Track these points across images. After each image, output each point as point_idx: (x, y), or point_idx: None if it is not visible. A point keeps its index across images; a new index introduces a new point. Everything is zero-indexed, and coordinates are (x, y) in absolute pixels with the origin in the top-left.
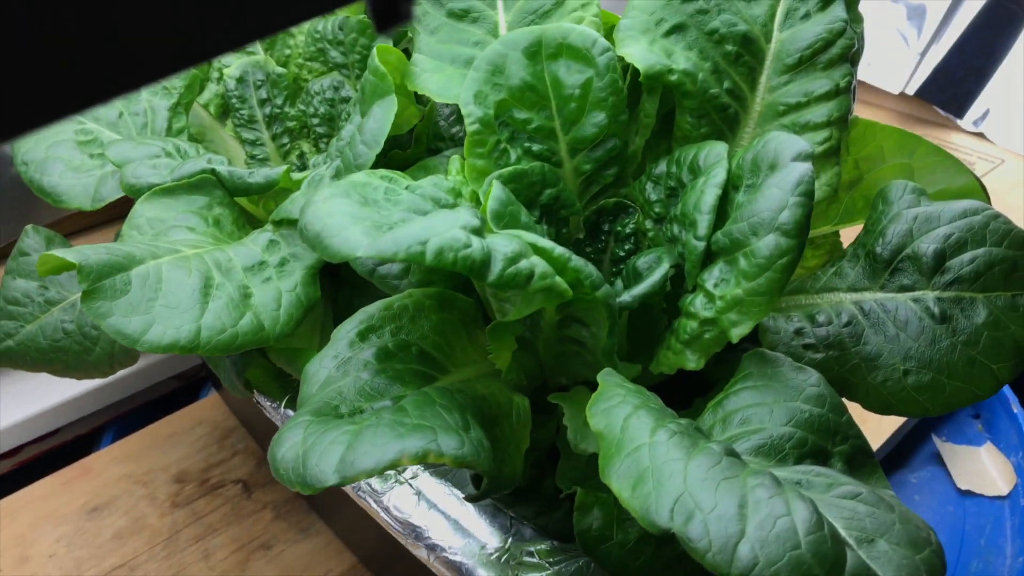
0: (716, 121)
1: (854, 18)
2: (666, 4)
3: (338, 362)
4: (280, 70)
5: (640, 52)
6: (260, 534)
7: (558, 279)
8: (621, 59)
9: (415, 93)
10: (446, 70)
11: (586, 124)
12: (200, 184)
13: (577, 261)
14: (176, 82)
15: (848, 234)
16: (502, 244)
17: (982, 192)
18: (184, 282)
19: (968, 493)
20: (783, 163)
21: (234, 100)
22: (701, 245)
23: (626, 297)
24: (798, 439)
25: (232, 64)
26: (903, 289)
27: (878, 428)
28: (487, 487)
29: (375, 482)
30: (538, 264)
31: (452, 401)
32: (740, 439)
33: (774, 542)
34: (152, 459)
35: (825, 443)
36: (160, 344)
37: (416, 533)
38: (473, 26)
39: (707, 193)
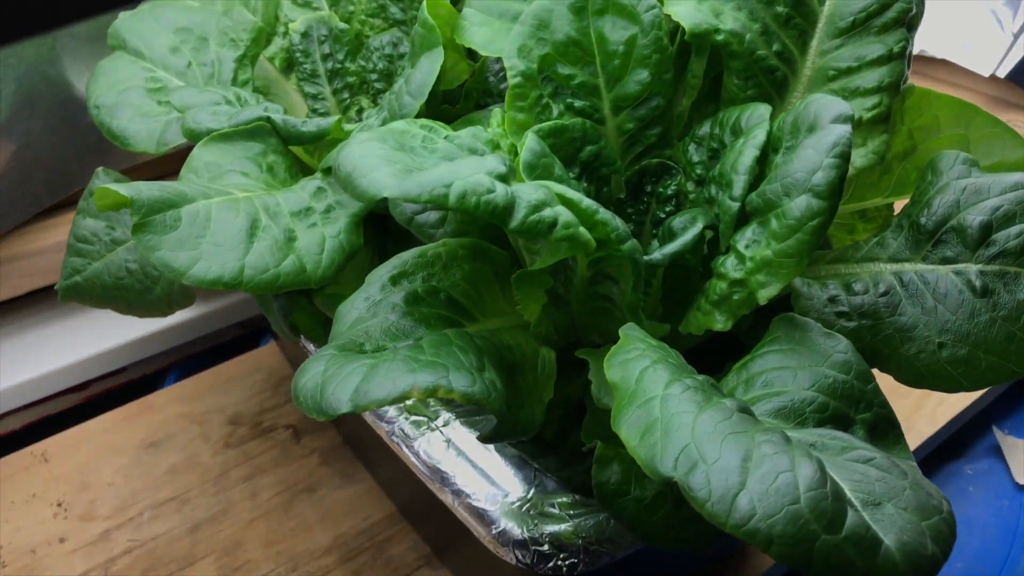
0: (764, 84)
1: None
2: None
3: (369, 304)
4: (343, 26)
5: (687, 11)
6: (306, 478)
7: (582, 230)
8: (668, 18)
9: (467, 49)
10: (494, 24)
11: (629, 81)
12: (256, 131)
13: (604, 214)
14: (243, 34)
15: (901, 206)
16: (527, 192)
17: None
18: (232, 222)
19: None
20: (822, 125)
21: (298, 54)
22: (735, 206)
23: (657, 255)
24: (820, 404)
25: (298, 19)
26: (945, 261)
27: (933, 416)
28: (498, 428)
29: (408, 428)
30: (563, 213)
31: (470, 344)
32: (761, 400)
33: (773, 495)
34: (209, 401)
35: (848, 409)
36: (205, 279)
37: (443, 478)
38: None
39: (745, 154)
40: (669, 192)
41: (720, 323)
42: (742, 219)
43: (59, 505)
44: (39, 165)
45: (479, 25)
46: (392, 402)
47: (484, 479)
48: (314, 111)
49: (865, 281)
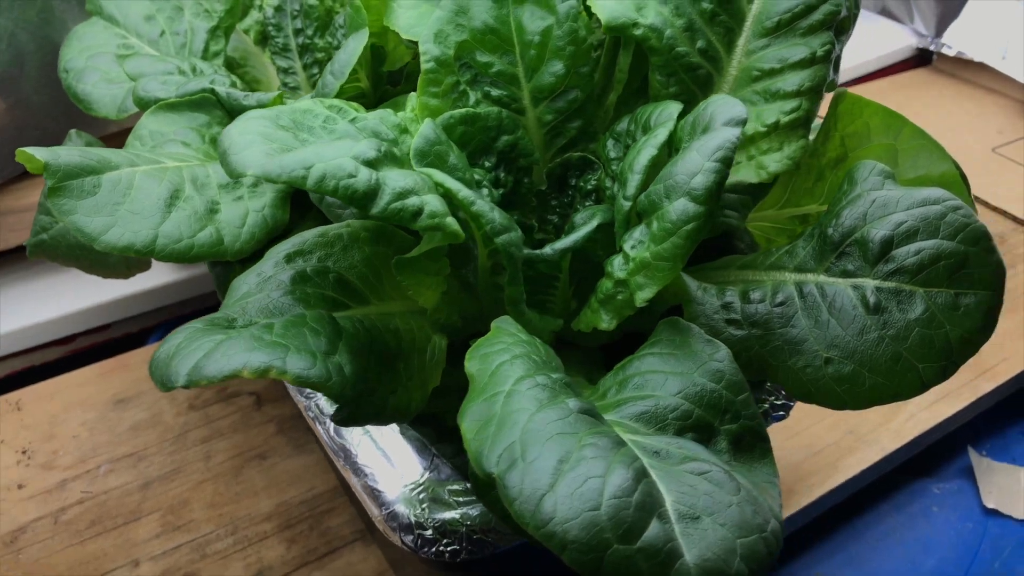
0: (686, 81)
1: None
2: None
3: (259, 280)
4: (313, 1)
5: (608, 3)
6: (260, 445)
7: (449, 220)
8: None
9: None
10: (421, 7)
11: (545, 73)
12: (201, 103)
13: (481, 206)
14: (217, 5)
15: None
16: (395, 179)
17: (960, 182)
18: (153, 191)
19: (994, 512)
20: (714, 127)
21: (271, 28)
22: (627, 205)
23: (547, 250)
24: (683, 411)
25: None
26: (846, 275)
27: (900, 431)
28: (340, 412)
29: (324, 404)
30: (430, 203)
31: (328, 327)
32: (628, 403)
33: (576, 499)
34: None
35: (712, 419)
36: (116, 245)
37: (347, 456)
38: None
39: (642, 153)
40: (589, 187)
41: (605, 322)
42: (634, 219)
43: (23, 453)
44: (31, 123)
45: (407, 8)
46: (222, 380)
47: (385, 460)
48: (285, 85)
49: (765, 289)
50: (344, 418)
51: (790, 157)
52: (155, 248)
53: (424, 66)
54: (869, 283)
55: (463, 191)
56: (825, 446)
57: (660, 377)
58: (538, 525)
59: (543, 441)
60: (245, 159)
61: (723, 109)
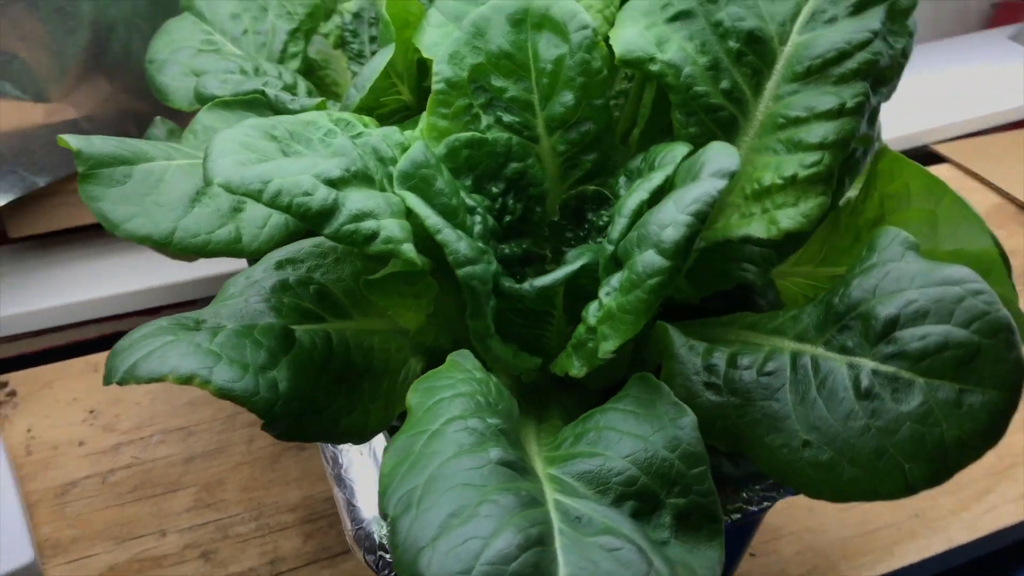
0: (706, 122)
1: (896, 31)
2: None
3: (247, 283)
4: None
5: (627, 35)
6: None
7: (405, 247)
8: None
9: None
10: (448, 27)
11: (556, 102)
12: (253, 103)
13: (447, 235)
14: (300, 9)
15: None
16: (356, 200)
17: (1000, 262)
18: (181, 185)
19: None
20: (702, 176)
21: (347, 34)
22: (610, 249)
23: (527, 286)
24: (629, 476)
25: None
26: (844, 351)
27: (975, 523)
28: (273, 428)
29: None
30: (388, 227)
31: (276, 341)
32: (577, 459)
33: (451, 559)
34: None
35: (659, 490)
36: (135, 234)
37: (336, 464)
38: None
39: (633, 196)
40: (602, 222)
41: (576, 369)
42: (613, 264)
43: (91, 412)
44: (133, 108)
45: (435, 27)
46: (149, 381)
47: (372, 476)
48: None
49: (758, 355)
50: (279, 433)
51: (805, 215)
52: (172, 241)
53: (435, 87)
54: (866, 364)
55: (431, 218)
56: (883, 525)
57: (615, 436)
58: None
59: (445, 490)
60: (215, 167)
61: (714, 158)
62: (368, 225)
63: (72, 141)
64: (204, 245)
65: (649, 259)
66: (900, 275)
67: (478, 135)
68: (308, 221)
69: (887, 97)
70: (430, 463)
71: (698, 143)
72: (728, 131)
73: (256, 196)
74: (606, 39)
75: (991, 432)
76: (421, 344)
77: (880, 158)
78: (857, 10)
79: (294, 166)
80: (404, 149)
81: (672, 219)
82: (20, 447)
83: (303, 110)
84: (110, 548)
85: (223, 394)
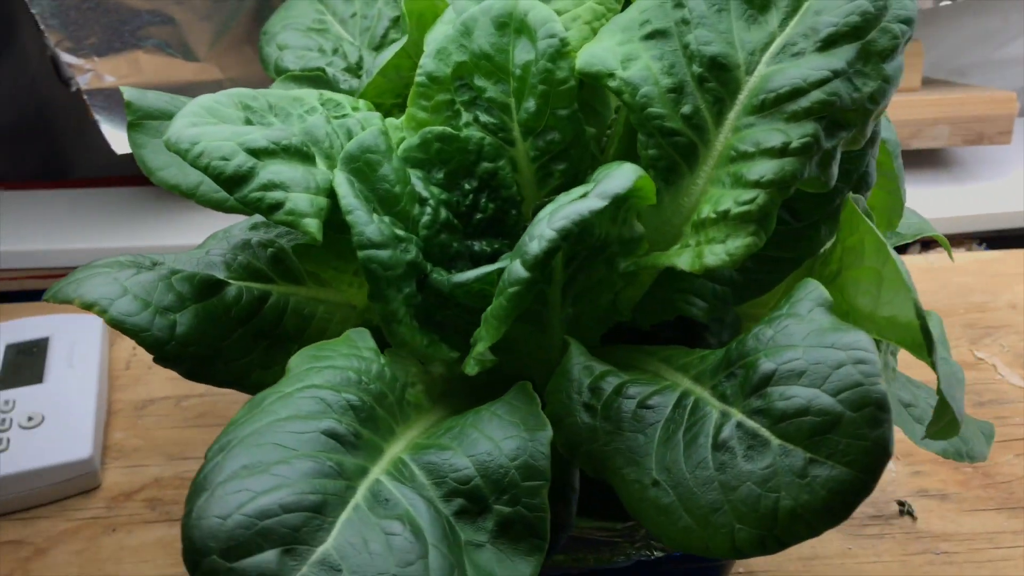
0: (664, 146)
1: (866, 73)
2: (659, 6)
3: (223, 237)
4: None
5: (593, 48)
6: None
7: (306, 221)
8: None
9: None
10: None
11: (522, 108)
12: (317, 79)
13: (357, 216)
14: None
15: None
16: (273, 171)
17: (920, 338)
18: None
19: None
20: (590, 195)
21: None
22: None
23: (444, 280)
24: (465, 475)
25: None
26: (722, 398)
27: None
28: (157, 360)
29: None
30: (295, 200)
31: (193, 289)
32: (433, 449)
33: (215, 504)
34: None
35: (488, 493)
36: (167, 183)
37: None
38: None
39: (546, 208)
40: None
41: (469, 368)
42: None
43: None
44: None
45: (444, 23)
46: (65, 302)
47: None
48: None
49: (649, 388)
50: (183, 372)
51: (730, 253)
52: (196, 193)
53: (417, 79)
54: (735, 415)
55: (346, 199)
56: None
57: (476, 435)
58: (186, 513)
59: (254, 445)
60: (172, 124)
61: (608, 177)
62: (275, 195)
63: (126, 92)
64: (223, 201)
65: (514, 269)
66: (795, 330)
67: (450, 131)
68: (221, 184)
69: (855, 144)
70: (261, 420)
71: (658, 166)
72: (688, 157)
73: (183, 155)
74: None
75: (829, 511)
76: (370, 322)
77: (844, 208)
78: (826, 46)
79: (223, 132)
80: (381, 132)
81: (540, 233)
82: (122, 361)
83: (349, 90)
84: (161, 463)
85: (115, 324)
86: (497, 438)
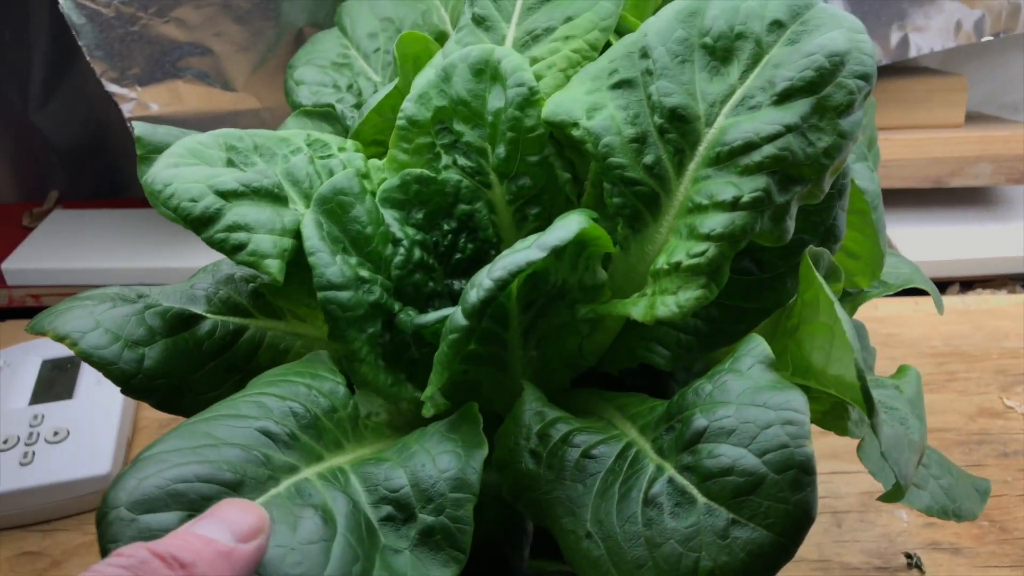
0: (627, 195)
1: (821, 128)
2: (627, 55)
3: (211, 268)
4: None
5: (560, 97)
6: None
7: (267, 262)
8: None
9: None
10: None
11: (494, 153)
12: (327, 115)
13: (319, 258)
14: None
15: None
16: (239, 213)
17: (860, 400)
18: None
19: None
20: (533, 244)
21: None
22: None
23: (408, 321)
24: (396, 483)
25: None
26: (660, 452)
27: None
28: (125, 391)
29: None
30: (258, 241)
31: (163, 323)
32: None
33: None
34: None
35: (416, 502)
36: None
37: None
38: (485, 34)
39: (502, 254)
40: None
41: (425, 410)
42: None
43: None
44: None
45: (430, 67)
46: (42, 335)
47: None
48: None
49: (594, 436)
50: (155, 404)
51: (680, 306)
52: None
53: (398, 122)
54: (667, 470)
55: (310, 240)
56: None
57: (416, 447)
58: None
59: (188, 434)
60: (153, 166)
61: (553, 227)
62: (239, 236)
63: (137, 128)
64: None
65: (455, 316)
66: (732, 387)
67: (428, 173)
68: (188, 225)
69: (813, 198)
70: (202, 416)
71: (623, 214)
72: (651, 206)
73: (156, 196)
74: None
75: (748, 574)
76: (337, 360)
77: (801, 262)
78: (781, 100)
79: (196, 174)
80: (363, 175)
81: (479, 282)
82: None
83: (352, 125)
84: None
85: (84, 357)
86: (434, 452)
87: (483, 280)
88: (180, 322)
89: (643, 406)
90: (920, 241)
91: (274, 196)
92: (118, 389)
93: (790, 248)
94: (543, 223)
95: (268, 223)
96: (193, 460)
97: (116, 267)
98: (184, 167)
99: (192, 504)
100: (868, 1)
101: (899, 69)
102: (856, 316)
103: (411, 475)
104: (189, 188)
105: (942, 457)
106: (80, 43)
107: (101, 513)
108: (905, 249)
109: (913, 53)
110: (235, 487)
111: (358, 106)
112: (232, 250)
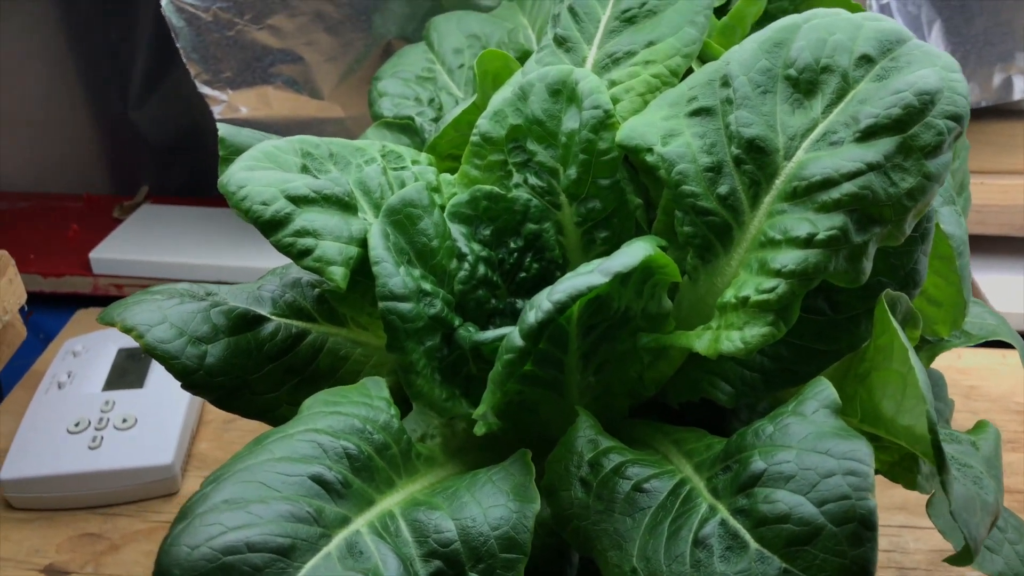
0: (698, 224)
1: (906, 169)
2: (707, 83)
3: (279, 273)
4: None
5: (636, 122)
6: None
7: (332, 268)
8: None
9: None
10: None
11: (565, 175)
12: (406, 127)
13: (383, 268)
14: (512, 52)
15: None
16: (308, 218)
17: (931, 453)
18: None
19: None
20: (597, 268)
21: None
22: None
23: (467, 337)
24: (446, 538)
25: None
26: (713, 492)
27: None
28: (184, 387)
29: None
30: (324, 248)
31: (228, 322)
32: (424, 507)
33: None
34: None
35: (465, 560)
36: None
37: None
38: (566, 55)
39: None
40: None
41: (478, 429)
42: None
43: None
44: None
45: (509, 85)
46: (111, 325)
47: None
48: None
49: (648, 470)
50: (213, 400)
51: (745, 342)
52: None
53: (472, 139)
54: (720, 511)
55: (375, 250)
56: None
57: (468, 498)
58: (164, 538)
59: (242, 481)
60: (230, 168)
61: (617, 253)
62: (306, 242)
63: (221, 129)
64: None
65: (512, 337)
66: (795, 431)
67: (497, 190)
68: (259, 227)
69: (893, 240)
70: (257, 457)
71: (693, 244)
72: (722, 237)
73: (230, 197)
74: None
75: None
76: (394, 372)
77: (878, 304)
78: (864, 137)
79: (270, 178)
80: (433, 189)
81: (539, 304)
82: None
83: (429, 138)
84: None
85: (148, 350)
86: (485, 504)
87: (543, 302)
88: (244, 322)
89: (700, 443)
90: (1011, 291)
91: (344, 204)
92: None
93: (867, 290)
94: (611, 247)
95: (336, 230)
96: (243, 523)
97: (198, 263)
98: (259, 170)
99: None
100: (972, 41)
101: (1000, 111)
102: (937, 366)
103: (461, 529)
104: (262, 191)
105: (1020, 521)
106: (178, 45)
107: None
108: (995, 298)
109: (1017, 96)
110: (287, 553)
111: (437, 120)
112: (299, 255)
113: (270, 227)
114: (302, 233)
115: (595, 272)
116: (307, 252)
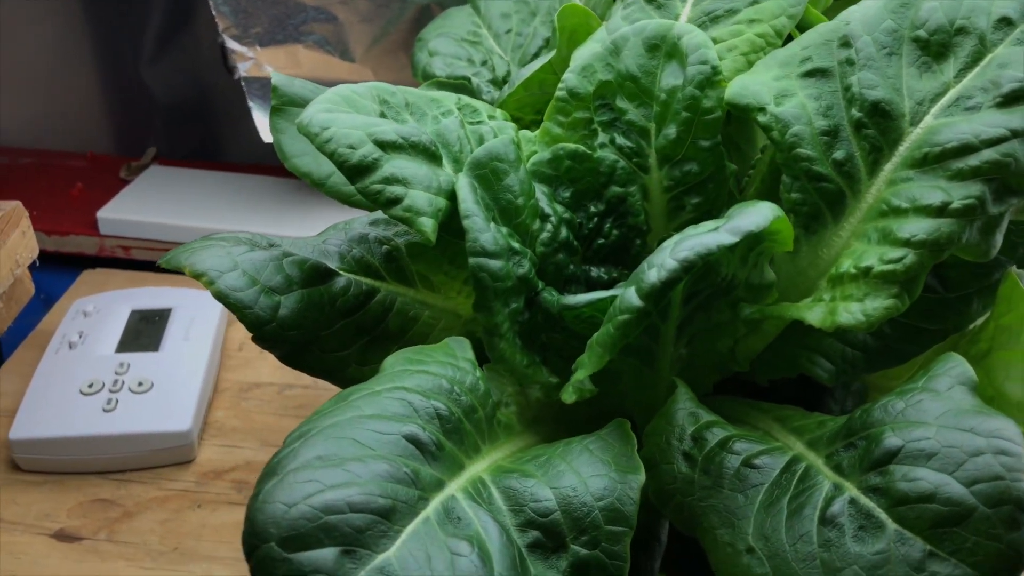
0: (809, 191)
1: None
2: (824, 44)
3: (343, 228)
4: None
5: (746, 80)
6: None
7: (422, 219)
8: None
9: None
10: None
11: (662, 134)
12: (460, 87)
13: (474, 222)
14: None
15: None
16: (397, 165)
17: None
18: None
19: None
20: (720, 228)
21: None
22: None
23: (553, 301)
24: (544, 507)
25: None
26: (837, 469)
27: None
28: (255, 340)
29: None
30: (414, 197)
31: (302, 274)
32: (516, 474)
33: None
34: None
35: (567, 531)
36: (299, 169)
37: None
38: (657, 11)
39: (672, 239)
40: None
41: (566, 396)
42: None
43: None
44: None
45: (595, 41)
46: (178, 270)
47: None
48: None
49: (756, 446)
50: (281, 356)
51: (867, 314)
52: (326, 184)
53: (557, 94)
54: (848, 490)
55: (466, 203)
56: None
57: (563, 467)
58: (253, 495)
59: (334, 437)
60: (308, 108)
61: (741, 213)
62: (395, 189)
63: (275, 77)
64: (350, 195)
65: (628, 296)
66: (930, 407)
67: (582, 149)
68: (344, 172)
69: (1011, 208)
70: (345, 414)
71: (800, 212)
72: (834, 206)
73: (312, 138)
74: None
75: None
76: (472, 333)
77: (1002, 282)
78: (1007, 103)
79: (355, 121)
80: (514, 143)
81: (661, 262)
82: (236, 342)
83: (491, 101)
84: (255, 446)
85: (220, 297)
86: (585, 474)
87: (665, 260)
88: (317, 275)
89: (808, 420)
90: None
91: (431, 154)
92: (207, 348)
93: (982, 268)
94: (700, 215)
95: (425, 180)
96: (342, 482)
97: (206, 227)
98: (340, 113)
99: (346, 538)
100: None
101: None
102: None
103: (560, 499)
104: (348, 134)
105: None
106: None
107: (249, 544)
108: None
109: None
110: (387, 515)
111: (493, 81)
112: (387, 203)
113: (356, 172)
114: (391, 180)
115: (723, 231)
116: (396, 201)
